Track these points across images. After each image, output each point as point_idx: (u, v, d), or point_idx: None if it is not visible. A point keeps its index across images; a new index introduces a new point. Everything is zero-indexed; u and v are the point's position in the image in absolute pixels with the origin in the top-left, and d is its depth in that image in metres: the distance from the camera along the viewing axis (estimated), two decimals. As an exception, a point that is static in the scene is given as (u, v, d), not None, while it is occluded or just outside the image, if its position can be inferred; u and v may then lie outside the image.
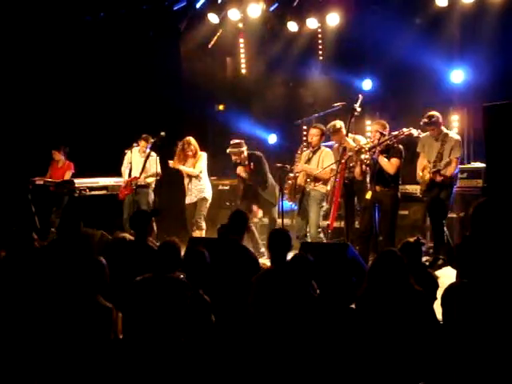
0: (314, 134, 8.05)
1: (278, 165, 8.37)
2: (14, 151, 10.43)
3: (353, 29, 9.84)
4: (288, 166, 8.43)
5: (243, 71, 11.72)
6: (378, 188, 7.26)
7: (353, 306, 3.91)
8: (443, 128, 7.56)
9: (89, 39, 10.72)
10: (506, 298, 3.62)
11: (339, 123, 8.03)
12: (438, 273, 6.63)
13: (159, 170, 9.03)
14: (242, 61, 11.68)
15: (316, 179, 7.94)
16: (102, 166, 9.93)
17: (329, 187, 8.01)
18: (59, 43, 10.67)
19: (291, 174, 8.20)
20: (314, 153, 8.09)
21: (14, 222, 6.00)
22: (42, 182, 10.07)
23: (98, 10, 10.79)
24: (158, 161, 9.04)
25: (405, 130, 7.39)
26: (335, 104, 9.12)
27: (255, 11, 10.03)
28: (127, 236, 5.95)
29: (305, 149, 8.34)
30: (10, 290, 4.38)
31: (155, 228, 8.43)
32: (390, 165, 7.24)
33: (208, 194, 8.90)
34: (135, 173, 9.16)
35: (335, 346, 3.28)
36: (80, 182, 9.77)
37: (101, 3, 10.61)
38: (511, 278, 3.83)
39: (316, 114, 9.24)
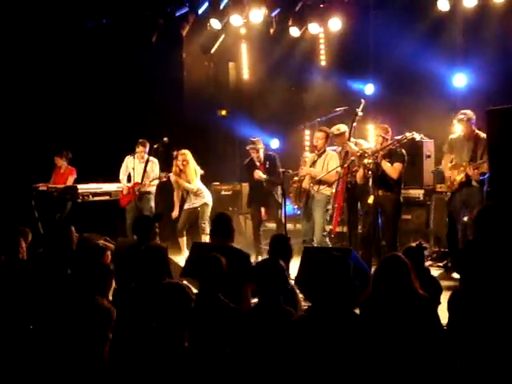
0: (319, 138, 8.07)
1: (281, 170, 8.38)
2: (18, 157, 10.45)
3: (355, 33, 9.84)
4: (291, 171, 8.44)
5: (245, 76, 11.73)
6: (380, 192, 7.26)
7: (356, 311, 3.90)
8: (474, 127, 7.51)
9: (91, 45, 10.74)
10: (509, 303, 3.61)
11: (343, 127, 8.04)
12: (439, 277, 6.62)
13: (160, 174, 9.07)
14: (244, 66, 11.70)
15: (321, 182, 7.94)
16: (104, 172, 9.94)
17: (334, 190, 8.02)
18: (62, 49, 10.70)
19: (296, 178, 8.21)
20: (320, 156, 8.10)
21: (16, 228, 5.98)
22: (45, 188, 10.09)
23: (100, 16, 10.83)
24: (158, 165, 9.08)
25: (407, 134, 7.39)
26: (337, 108, 9.14)
27: (257, 16, 10.05)
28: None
29: (308, 153, 8.36)
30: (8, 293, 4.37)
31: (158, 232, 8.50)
32: (392, 169, 7.23)
33: (208, 198, 9.00)
34: (136, 179, 9.17)
35: (338, 352, 3.26)
36: (83, 188, 9.78)
37: (103, 9, 10.64)
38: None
39: (318, 119, 9.25)
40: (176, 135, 9.26)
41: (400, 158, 7.27)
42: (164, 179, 9.02)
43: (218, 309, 4.12)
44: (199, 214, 8.89)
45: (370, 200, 7.29)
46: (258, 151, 8.78)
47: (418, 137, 8.56)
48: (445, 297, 4.52)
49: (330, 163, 7.96)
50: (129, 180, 9.30)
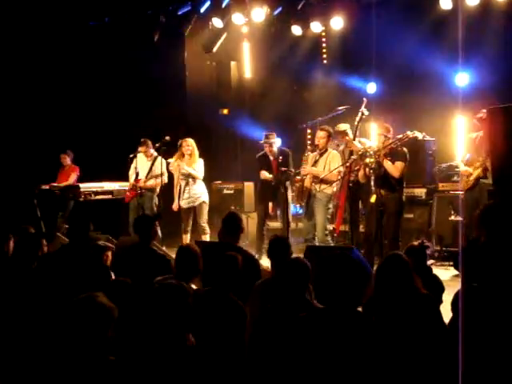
0: (320, 137, 8.07)
1: (283, 168, 8.38)
2: (20, 156, 10.47)
3: (357, 32, 9.83)
4: (293, 170, 8.43)
5: (247, 75, 11.72)
6: (382, 191, 7.25)
7: (359, 309, 3.90)
8: None
9: (94, 44, 10.76)
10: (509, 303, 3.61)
11: (344, 126, 8.05)
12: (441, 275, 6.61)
13: (164, 172, 9.07)
14: (247, 65, 11.69)
15: (322, 181, 7.94)
16: (107, 171, 9.95)
17: (335, 189, 8.02)
18: (65, 48, 10.72)
19: (298, 177, 8.21)
20: (321, 155, 8.10)
21: (20, 227, 6.00)
22: (47, 187, 10.12)
23: (102, 15, 10.84)
24: (165, 164, 9.08)
25: (409, 133, 7.39)
26: (339, 107, 9.14)
27: (259, 15, 10.04)
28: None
29: (309, 152, 8.36)
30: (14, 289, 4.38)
31: (159, 232, 8.51)
32: (394, 168, 7.22)
33: (206, 197, 8.96)
34: (142, 176, 9.19)
35: (342, 350, 3.26)
36: (85, 187, 9.79)
37: (105, 8, 10.65)
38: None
39: (320, 118, 9.25)
40: (178, 134, 9.26)
41: (402, 157, 7.27)
42: (171, 168, 8.98)
43: (229, 307, 4.13)
44: (197, 213, 8.87)
45: (373, 199, 7.29)
46: (271, 145, 8.78)
47: (420, 135, 8.55)
48: (446, 295, 4.52)
49: (331, 162, 7.97)
50: (136, 178, 9.35)
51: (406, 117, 9.14)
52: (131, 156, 9.35)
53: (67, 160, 10.44)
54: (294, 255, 4.94)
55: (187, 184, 8.85)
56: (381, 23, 9.42)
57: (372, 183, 7.52)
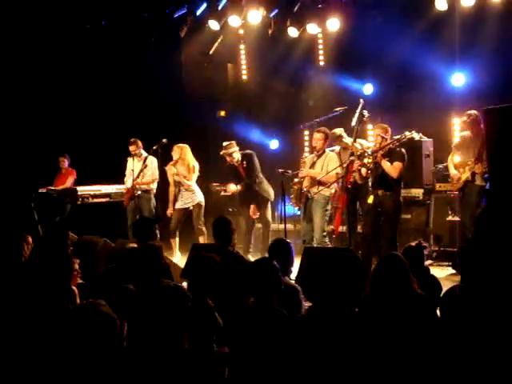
0: (318, 139, 8.09)
1: (280, 170, 8.39)
2: (18, 160, 10.46)
3: (353, 34, 9.84)
4: (290, 172, 8.45)
5: (244, 77, 11.75)
6: (380, 192, 7.27)
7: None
8: (482, 126, 7.52)
9: (90, 47, 10.76)
10: (506, 304, 3.62)
11: (338, 130, 8.11)
12: (439, 276, 6.63)
13: (156, 175, 9.09)
14: (243, 67, 11.72)
15: (320, 183, 7.96)
16: (103, 174, 9.95)
17: (333, 191, 8.04)
18: (61, 51, 10.72)
19: (296, 179, 8.23)
20: (319, 157, 8.12)
21: (17, 230, 5.99)
22: (44, 190, 10.12)
23: (99, 17, 10.84)
24: (156, 165, 9.10)
25: (407, 133, 7.41)
26: (336, 109, 9.15)
27: (255, 17, 10.05)
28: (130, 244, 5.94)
29: (307, 154, 8.39)
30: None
31: (158, 234, 8.51)
32: (392, 168, 7.22)
33: (201, 198, 9.00)
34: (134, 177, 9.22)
35: (340, 351, 3.27)
36: (83, 190, 9.79)
37: (102, 11, 10.65)
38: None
39: (317, 119, 9.26)
40: (175, 136, 9.28)
41: (400, 158, 7.27)
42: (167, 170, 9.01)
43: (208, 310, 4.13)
44: (193, 216, 8.90)
45: (370, 200, 7.30)
46: (230, 155, 8.76)
47: (417, 136, 8.58)
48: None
49: (329, 164, 7.99)
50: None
51: (402, 118, 9.15)
52: (130, 157, 9.36)
53: (65, 163, 10.47)
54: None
55: (180, 190, 8.92)
56: (377, 24, 9.44)
57: (370, 184, 7.54)
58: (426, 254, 5.31)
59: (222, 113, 11.95)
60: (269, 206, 8.97)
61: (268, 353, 3.62)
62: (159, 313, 3.27)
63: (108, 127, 10.88)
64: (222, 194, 10.31)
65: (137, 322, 3.90)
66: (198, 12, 10.47)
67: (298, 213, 8.52)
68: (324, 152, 8.14)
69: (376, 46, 9.55)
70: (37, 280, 4.19)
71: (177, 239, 8.95)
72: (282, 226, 7.57)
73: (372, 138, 9.38)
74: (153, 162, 9.17)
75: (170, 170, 8.90)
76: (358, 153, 7.41)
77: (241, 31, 10.92)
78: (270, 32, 10.49)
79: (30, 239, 5.69)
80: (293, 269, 5.28)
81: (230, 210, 9.97)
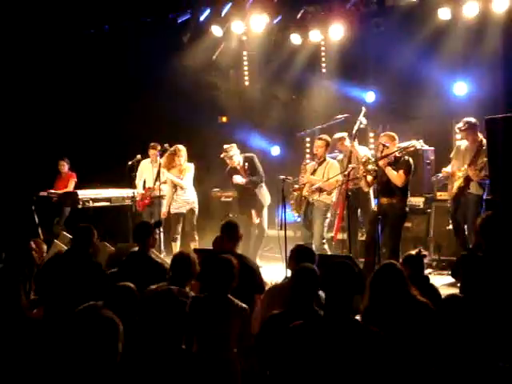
0: (319, 146, 8.10)
1: (281, 177, 8.37)
2: (19, 163, 10.47)
3: (356, 41, 9.85)
4: (291, 178, 8.45)
5: (246, 83, 11.75)
6: (384, 200, 7.25)
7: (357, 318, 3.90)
8: (479, 135, 7.51)
9: (92, 51, 10.78)
10: (505, 313, 3.61)
11: (339, 134, 8.12)
12: (439, 285, 6.63)
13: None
14: (246, 73, 11.72)
15: (321, 190, 7.96)
16: (105, 178, 9.95)
17: (334, 198, 8.03)
18: (63, 56, 10.74)
19: (296, 186, 8.23)
20: (320, 164, 8.12)
21: (17, 233, 6.01)
22: (45, 194, 10.12)
23: (102, 22, 10.86)
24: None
25: (414, 142, 7.43)
26: (338, 116, 9.16)
27: (259, 24, 10.07)
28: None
29: (308, 161, 8.39)
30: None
31: (163, 238, 8.54)
32: (397, 176, 7.21)
33: (196, 204, 9.01)
34: (149, 183, 9.21)
35: (341, 358, 3.26)
36: (83, 194, 9.79)
37: (105, 16, 10.67)
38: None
39: (319, 126, 9.26)
40: (177, 142, 9.27)
41: (405, 166, 7.24)
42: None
43: (229, 309, 4.16)
44: (186, 221, 8.90)
45: (375, 207, 7.29)
46: (230, 158, 8.77)
47: (418, 145, 8.58)
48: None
49: (330, 171, 7.99)
50: (144, 185, 9.34)
51: (404, 126, 9.15)
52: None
53: (65, 167, 10.47)
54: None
55: (176, 191, 8.92)
56: (380, 32, 9.45)
57: (371, 192, 7.54)
58: (426, 262, 5.31)
59: (224, 119, 11.95)
60: (264, 212, 8.95)
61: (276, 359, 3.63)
62: (158, 315, 3.26)
63: (109, 132, 10.89)
64: (223, 199, 10.30)
65: (137, 325, 3.90)
66: (202, 18, 10.50)
67: (299, 219, 8.51)
68: (325, 159, 8.14)
69: (378, 53, 9.57)
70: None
71: (178, 243, 8.94)
72: (282, 233, 7.56)
73: (373, 145, 9.41)
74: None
75: (163, 175, 8.94)
76: (363, 159, 7.40)
77: (244, 37, 10.92)
78: (272, 39, 10.52)
79: (44, 246, 5.70)
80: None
81: (231, 215, 9.95)
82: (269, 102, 11.21)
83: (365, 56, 9.85)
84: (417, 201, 8.68)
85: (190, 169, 8.97)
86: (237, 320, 4.12)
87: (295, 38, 10.20)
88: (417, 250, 4.95)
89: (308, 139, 10.55)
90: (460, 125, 7.57)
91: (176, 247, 8.89)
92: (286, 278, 5.76)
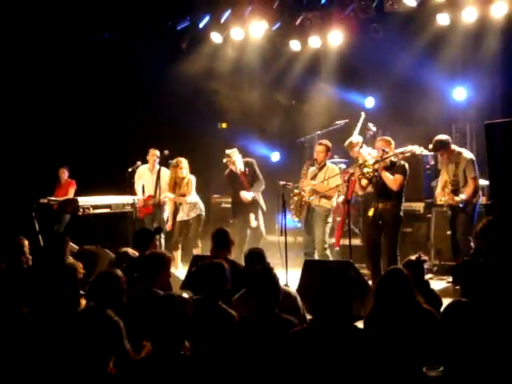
0: (319, 151, 8.11)
1: (281, 182, 8.38)
2: (19, 171, 10.48)
3: (355, 47, 9.88)
4: (291, 184, 8.45)
5: (246, 89, 11.76)
6: (380, 205, 7.26)
7: (360, 325, 3.89)
8: (454, 147, 7.57)
9: (92, 59, 10.80)
10: (506, 318, 3.60)
11: (355, 139, 8.12)
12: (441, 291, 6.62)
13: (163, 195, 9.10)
14: (245, 79, 11.73)
15: (317, 193, 7.96)
16: (105, 185, 9.95)
17: (334, 203, 8.03)
18: (64, 63, 10.76)
19: (296, 191, 8.23)
20: (320, 169, 8.13)
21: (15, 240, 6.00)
22: (45, 201, 10.11)
23: (102, 30, 10.89)
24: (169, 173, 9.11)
25: (411, 147, 7.46)
26: (338, 121, 9.17)
27: (258, 30, 10.10)
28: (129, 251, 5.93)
29: (310, 166, 8.39)
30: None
31: (163, 244, 8.53)
32: (393, 181, 7.23)
33: (202, 211, 9.03)
34: (148, 190, 9.20)
35: (340, 365, 3.26)
36: (83, 201, 9.78)
37: (106, 24, 10.70)
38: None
39: (319, 132, 9.27)
40: (176, 148, 9.29)
41: (401, 171, 7.28)
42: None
43: (217, 316, 4.14)
44: (191, 227, 8.90)
45: (370, 213, 7.30)
46: (234, 163, 8.81)
47: (418, 150, 8.59)
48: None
49: (330, 176, 7.99)
50: (143, 190, 9.34)
51: (404, 131, 9.15)
52: (130, 170, 9.37)
53: (65, 175, 10.47)
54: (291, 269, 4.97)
55: (181, 203, 8.93)
56: (379, 38, 9.47)
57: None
58: (427, 267, 5.30)
59: (224, 125, 11.96)
60: (261, 215, 8.95)
61: (268, 362, 3.61)
62: (158, 322, 3.26)
63: (110, 138, 10.90)
64: (223, 205, 10.30)
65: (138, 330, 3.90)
66: (201, 24, 10.52)
67: (299, 225, 8.51)
68: (325, 164, 8.15)
69: (378, 59, 9.58)
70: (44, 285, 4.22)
71: (179, 251, 8.94)
72: (282, 239, 7.56)
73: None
74: (166, 173, 9.16)
75: (166, 195, 8.95)
76: (360, 162, 7.41)
77: (243, 44, 10.94)
78: (272, 45, 10.54)
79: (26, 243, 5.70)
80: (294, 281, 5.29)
81: (231, 221, 9.94)
82: (268, 108, 11.22)
83: (364, 62, 9.87)
84: (417, 206, 8.68)
85: (192, 183, 8.97)
86: (224, 326, 4.09)
87: (294, 44, 10.23)
88: (417, 255, 4.95)
89: (307, 145, 10.55)
90: (430, 146, 7.65)
91: (178, 255, 8.89)
92: (286, 284, 5.77)
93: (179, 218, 8.96)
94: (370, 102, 10.25)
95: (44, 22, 10.32)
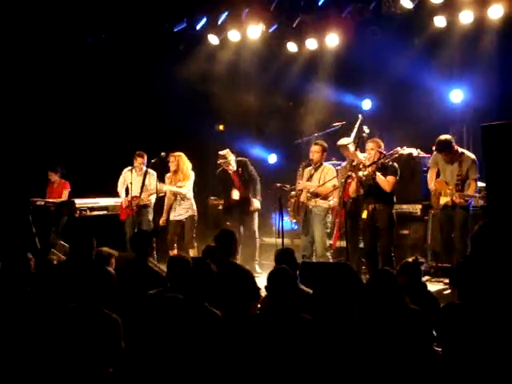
0: (315, 151, 8.11)
1: (278, 184, 8.40)
2: (15, 172, 10.44)
3: (352, 49, 9.89)
4: (288, 186, 8.45)
5: (243, 91, 11.76)
6: (372, 206, 7.28)
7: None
8: (457, 147, 7.56)
9: (90, 60, 10.79)
10: (502, 320, 3.61)
11: (345, 140, 8.12)
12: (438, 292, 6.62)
13: (155, 188, 9.07)
14: (242, 81, 11.73)
15: (317, 195, 7.96)
16: (101, 187, 9.95)
17: (331, 203, 8.02)
18: (61, 64, 10.75)
19: (293, 192, 8.23)
20: (316, 169, 8.12)
21: (14, 243, 5.99)
22: (42, 203, 10.10)
23: (99, 31, 10.88)
24: (156, 178, 9.10)
25: (399, 149, 7.48)
26: (335, 123, 9.17)
27: (255, 32, 10.10)
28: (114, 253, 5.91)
29: (306, 167, 8.38)
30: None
31: (154, 247, 8.50)
32: (386, 182, 7.25)
33: (194, 211, 9.00)
34: (135, 192, 9.17)
35: (332, 364, 3.27)
36: (80, 203, 9.78)
37: (102, 25, 10.70)
38: (509, 300, 3.82)
39: (316, 134, 9.28)
40: (173, 150, 9.28)
41: (393, 172, 7.30)
42: (161, 194, 9.04)
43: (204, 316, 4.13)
44: (185, 228, 8.89)
45: (364, 215, 7.31)
46: (229, 164, 8.81)
47: (414, 152, 8.61)
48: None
49: (326, 176, 8.00)
50: (127, 193, 9.29)
51: (401, 133, 9.18)
52: (126, 170, 9.35)
53: (54, 177, 10.41)
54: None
55: (176, 199, 8.91)
56: (376, 40, 9.49)
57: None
58: (424, 269, 5.31)
59: (221, 127, 11.96)
60: (256, 216, 8.94)
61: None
62: (162, 321, 3.27)
63: (106, 139, 10.89)
64: (220, 207, 10.29)
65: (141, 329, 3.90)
66: (198, 26, 10.53)
67: (296, 227, 8.50)
68: (321, 164, 8.15)
69: (375, 61, 9.60)
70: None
71: (175, 251, 8.92)
72: (279, 241, 7.55)
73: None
74: (153, 175, 9.17)
75: (162, 187, 8.92)
76: (354, 164, 7.42)
77: (240, 46, 10.94)
78: (269, 47, 10.54)
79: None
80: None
81: (228, 223, 9.94)
82: (265, 110, 11.23)
83: (361, 64, 9.88)
84: (414, 208, 8.67)
85: (190, 176, 8.96)
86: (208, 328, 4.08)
87: (291, 46, 10.24)
88: (414, 258, 4.95)
89: (305, 147, 10.56)
90: (434, 147, 7.66)
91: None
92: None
93: (171, 217, 8.95)
94: (367, 104, 10.26)
95: (40, 24, 10.30)
